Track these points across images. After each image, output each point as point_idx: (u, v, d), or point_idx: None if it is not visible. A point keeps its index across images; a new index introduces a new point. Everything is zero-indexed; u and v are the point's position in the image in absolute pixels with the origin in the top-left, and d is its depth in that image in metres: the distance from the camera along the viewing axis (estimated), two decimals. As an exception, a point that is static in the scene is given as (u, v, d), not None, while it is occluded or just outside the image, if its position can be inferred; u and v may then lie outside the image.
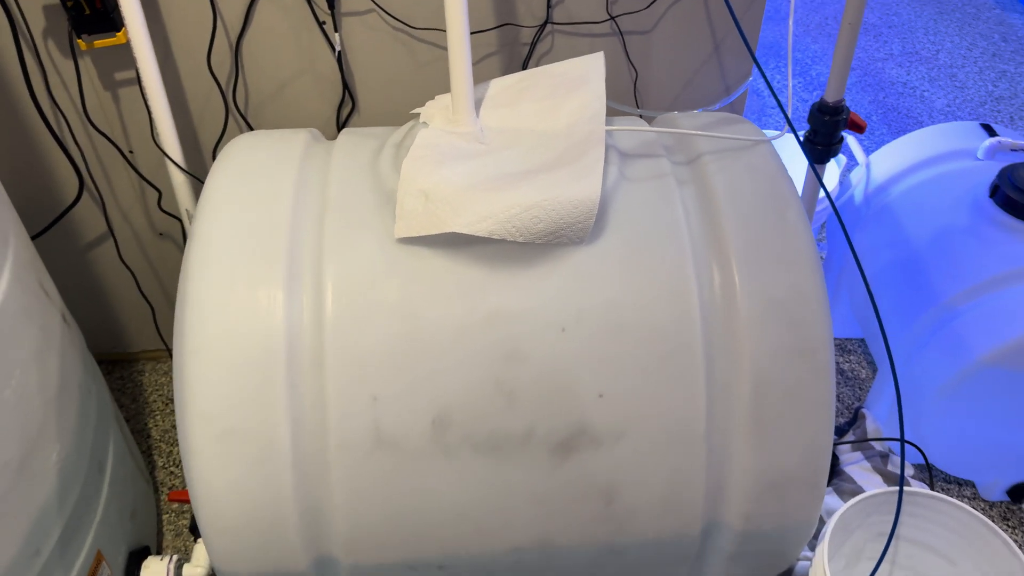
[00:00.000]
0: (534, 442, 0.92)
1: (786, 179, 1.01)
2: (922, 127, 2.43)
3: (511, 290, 0.92)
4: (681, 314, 0.92)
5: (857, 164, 1.70)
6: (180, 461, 1.54)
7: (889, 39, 2.79)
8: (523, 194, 0.92)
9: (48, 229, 1.39)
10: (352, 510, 0.93)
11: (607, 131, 1.03)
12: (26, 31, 1.20)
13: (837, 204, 1.66)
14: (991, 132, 1.56)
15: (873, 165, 1.63)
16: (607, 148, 1.02)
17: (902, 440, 1.04)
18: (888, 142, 1.68)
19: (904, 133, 1.65)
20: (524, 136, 1.03)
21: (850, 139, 1.65)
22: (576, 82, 1.07)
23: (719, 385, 0.93)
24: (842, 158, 1.79)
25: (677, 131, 1.05)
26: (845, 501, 1.21)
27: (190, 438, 0.90)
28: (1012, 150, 1.50)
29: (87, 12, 1.16)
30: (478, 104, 1.07)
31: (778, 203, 0.98)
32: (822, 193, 1.62)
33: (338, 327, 0.90)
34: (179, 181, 1.25)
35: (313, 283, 0.92)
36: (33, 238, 1.29)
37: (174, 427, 1.60)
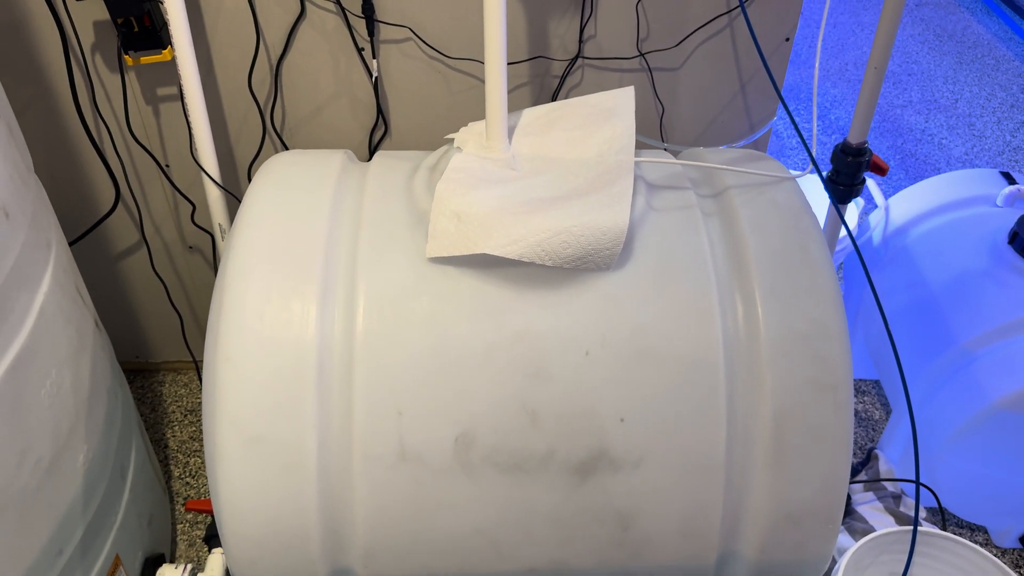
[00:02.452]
0: (555, 463, 0.94)
1: (810, 215, 1.03)
2: (940, 174, 2.46)
3: (538, 312, 0.94)
4: (704, 343, 0.94)
5: (875, 207, 1.72)
6: (196, 472, 1.55)
7: (908, 86, 2.83)
8: (553, 219, 0.94)
9: (83, 237, 1.42)
10: (373, 522, 0.94)
11: (636, 162, 1.05)
12: (76, 45, 1.24)
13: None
14: (1010, 180, 1.58)
15: (892, 208, 1.65)
16: (635, 179, 1.05)
17: (916, 481, 1.05)
18: (905, 188, 1.70)
19: (922, 179, 1.67)
20: (555, 164, 1.06)
21: (870, 182, 1.67)
22: (607, 114, 1.10)
23: (740, 415, 0.95)
24: (860, 200, 1.81)
25: (705, 165, 1.07)
26: (857, 540, 1.21)
27: (218, 443, 0.92)
28: (1031, 198, 1.52)
29: (136, 29, 1.21)
30: (510, 132, 1.10)
31: (802, 238, 1.00)
32: (840, 233, 1.64)
33: (368, 341, 0.92)
34: (214, 196, 1.29)
35: (345, 297, 0.94)
36: (69, 244, 1.32)
37: (191, 438, 1.62)
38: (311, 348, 0.92)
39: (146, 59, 1.23)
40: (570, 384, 0.93)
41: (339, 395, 0.92)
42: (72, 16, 1.22)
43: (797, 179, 1.11)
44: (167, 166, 1.40)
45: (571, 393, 0.93)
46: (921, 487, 1.42)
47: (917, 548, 1.15)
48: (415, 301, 0.94)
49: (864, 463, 1.54)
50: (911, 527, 1.15)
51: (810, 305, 0.96)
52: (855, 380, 1.75)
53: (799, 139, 1.08)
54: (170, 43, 1.18)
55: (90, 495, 1.07)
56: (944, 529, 1.45)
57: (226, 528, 0.94)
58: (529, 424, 0.93)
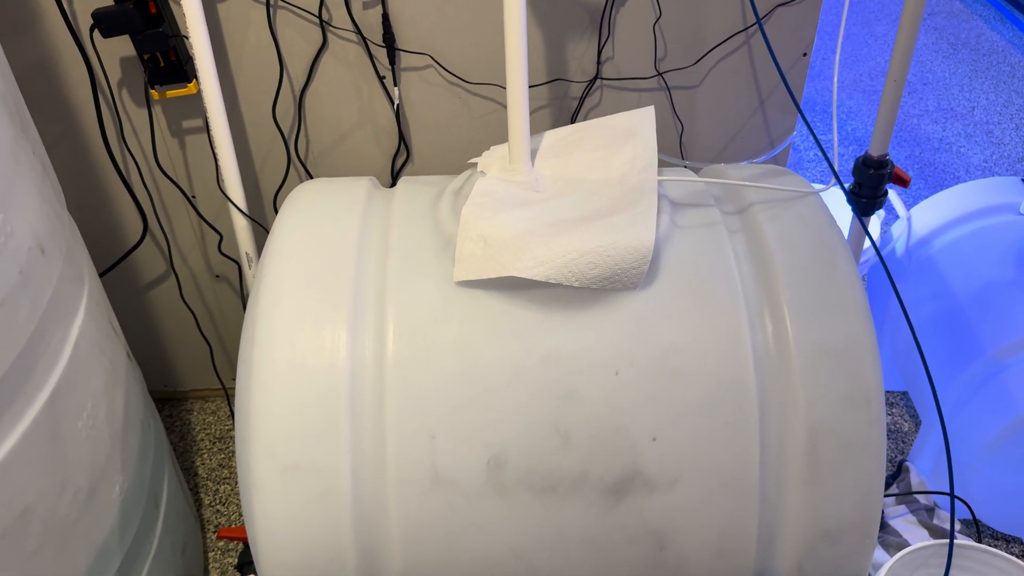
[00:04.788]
0: (588, 484, 0.94)
1: (835, 229, 1.03)
2: (959, 182, 2.45)
3: (566, 333, 0.95)
4: (734, 360, 0.94)
5: (897, 218, 1.72)
6: (226, 499, 1.56)
7: (924, 95, 2.82)
8: (579, 240, 0.95)
9: (112, 268, 1.44)
10: (409, 547, 0.94)
11: (659, 181, 1.06)
12: (104, 81, 1.27)
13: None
14: (1033, 188, 1.58)
15: (914, 219, 1.65)
16: (659, 197, 1.05)
17: (951, 494, 1.04)
18: (926, 197, 1.69)
19: (942, 188, 1.67)
20: (578, 185, 1.07)
21: (891, 193, 1.67)
22: (628, 134, 1.10)
23: (773, 432, 0.94)
24: (881, 212, 1.81)
25: (728, 182, 1.08)
26: (891, 555, 1.20)
27: (253, 471, 0.92)
28: (1055, 205, 1.51)
29: (162, 64, 1.23)
30: (533, 154, 1.11)
31: (829, 252, 1.00)
32: (864, 245, 1.63)
33: (398, 366, 0.93)
34: (241, 226, 1.30)
35: (375, 323, 0.95)
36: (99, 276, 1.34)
37: (221, 466, 1.63)
38: (343, 375, 0.92)
39: (172, 93, 1.26)
40: (601, 404, 0.93)
41: (372, 421, 0.92)
42: (100, 53, 1.24)
43: (821, 193, 1.11)
44: (193, 197, 1.42)
45: (602, 413, 0.93)
46: (955, 499, 1.40)
47: (954, 561, 1.13)
48: (444, 325, 0.95)
49: (895, 476, 1.53)
50: (947, 540, 1.14)
51: (840, 320, 0.95)
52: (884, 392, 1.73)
53: (819, 152, 1.08)
54: (195, 76, 1.20)
55: (126, 525, 1.08)
56: (979, 541, 1.44)
57: (263, 556, 0.95)
58: (561, 445, 0.93)
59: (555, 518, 0.94)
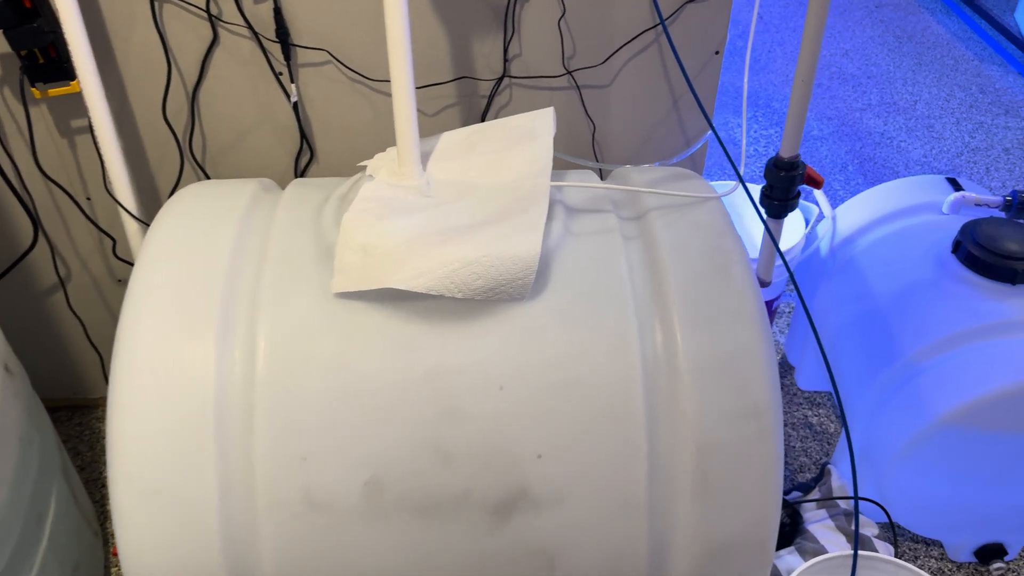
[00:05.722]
0: (472, 504, 0.90)
1: (732, 236, 1.00)
2: (899, 177, 2.44)
3: (450, 347, 0.91)
4: (622, 373, 0.91)
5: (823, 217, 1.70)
6: (133, 512, 1.50)
7: (868, 89, 2.81)
8: (463, 250, 0.90)
9: (3, 275, 1.38)
10: (282, 573, 0.90)
11: (554, 186, 1.02)
12: (-19, 79, 1.20)
13: (804, 256, 1.66)
14: (957, 186, 1.56)
15: (839, 217, 1.63)
16: (554, 203, 1.01)
17: (855, 497, 1.02)
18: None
19: (880, 183, 1.65)
20: (471, 189, 1.02)
21: (818, 193, 1.65)
22: (525, 136, 1.06)
23: (662, 447, 0.91)
24: (814, 209, 1.79)
25: (622, 187, 1.04)
26: (807, 560, 1.18)
27: (115, 497, 0.87)
28: (976, 205, 1.50)
29: (41, 61, 1.17)
30: (427, 157, 1.06)
31: (724, 260, 0.97)
32: (787, 245, 1.61)
33: (269, 384, 0.88)
34: (132, 230, 1.24)
35: (246, 338, 0.90)
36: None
37: (130, 476, 1.57)
38: (208, 393, 0.87)
39: (54, 91, 1.19)
40: (484, 421, 0.90)
41: (239, 442, 0.88)
42: (-25, 49, 1.18)
43: (749, 193, 1.08)
44: (88, 199, 1.36)
45: (486, 431, 0.90)
46: (872, 503, 1.39)
47: (861, 573, 1.12)
48: (320, 340, 0.90)
49: (818, 479, 1.51)
50: (859, 550, 1.12)
51: (731, 330, 0.92)
52: (810, 392, 1.72)
53: (742, 149, 1.06)
54: (77, 74, 1.14)
55: (-3, 549, 1.03)
56: (897, 545, 1.42)
57: (129, 584, 0.90)
58: (442, 465, 0.89)
59: (437, 540, 0.91)
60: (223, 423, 0.87)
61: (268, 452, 0.87)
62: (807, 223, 1.70)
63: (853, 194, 2.28)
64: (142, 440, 0.87)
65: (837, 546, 1.36)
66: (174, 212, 1.02)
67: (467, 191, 1.02)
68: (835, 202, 2.12)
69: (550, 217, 0.99)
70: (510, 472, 0.90)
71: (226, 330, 0.90)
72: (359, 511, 0.89)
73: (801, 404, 1.70)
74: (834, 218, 1.63)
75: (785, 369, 1.78)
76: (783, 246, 1.61)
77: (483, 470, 0.90)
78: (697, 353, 0.91)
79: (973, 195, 1.50)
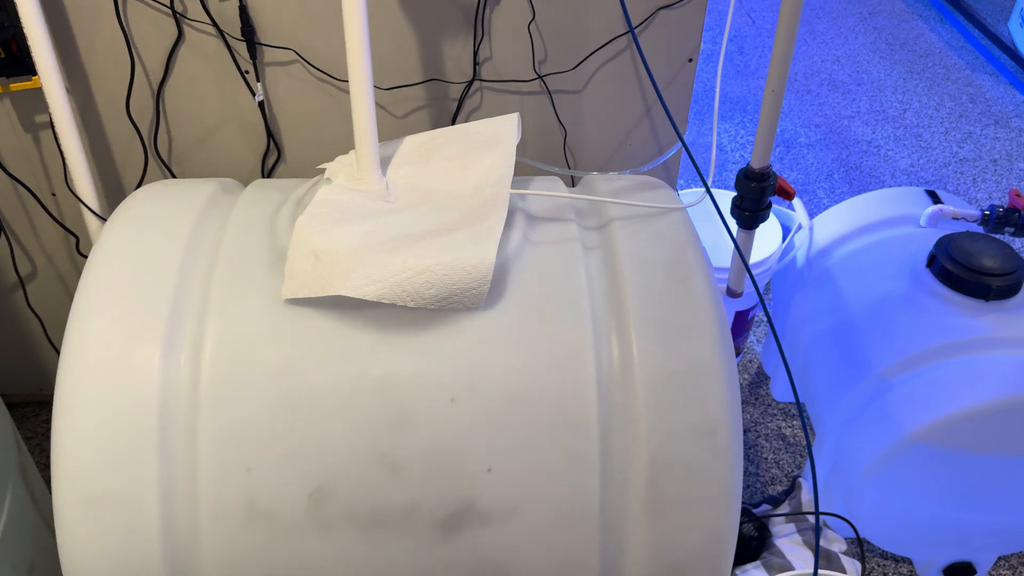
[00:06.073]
0: (419, 518, 0.88)
1: (695, 248, 0.98)
2: (884, 187, 2.42)
3: (401, 356, 0.89)
4: (576, 386, 0.89)
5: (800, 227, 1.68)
6: (95, 512, 1.49)
7: (857, 96, 2.80)
8: (416, 258, 0.89)
9: (-36, 270, 1.36)
10: (225, 584, 0.88)
11: (515, 194, 1.00)
12: (-58, 72, 1.18)
13: (780, 266, 1.64)
14: (935, 199, 1.55)
15: (817, 228, 1.61)
16: (514, 211, 0.99)
17: (817, 512, 1.01)
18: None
19: (866, 192, 1.63)
20: (431, 195, 1.01)
21: (796, 202, 1.63)
22: (488, 142, 1.05)
23: (615, 462, 0.90)
24: (796, 217, 1.77)
25: (583, 196, 1.02)
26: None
27: (57, 502, 0.86)
28: (954, 218, 1.48)
29: (3, 56, 1.15)
30: (387, 161, 1.05)
31: (684, 272, 0.95)
32: (764, 255, 1.60)
33: (214, 390, 0.87)
34: (95, 227, 1.23)
35: (192, 343, 0.88)
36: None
37: (94, 475, 1.55)
38: (152, 398, 0.86)
39: (16, 86, 1.18)
40: (434, 433, 0.88)
41: (183, 449, 0.86)
42: (-64, 41, 1.16)
43: (719, 203, 1.06)
44: (53, 195, 1.34)
45: (435, 442, 0.88)
46: (840, 519, 1.37)
47: (823, 590, 1.10)
48: (268, 347, 0.89)
49: (788, 492, 1.50)
50: (825, 569, 1.10)
51: (688, 344, 0.91)
52: (785, 404, 1.70)
53: (717, 155, 1.04)
54: (38, 69, 1.12)
55: (-60, 552, 1.01)
56: (865, 561, 1.41)
57: (69, 590, 0.88)
58: (390, 477, 0.87)
59: (383, 554, 0.89)
60: (166, 429, 0.86)
61: (211, 460, 0.86)
62: (786, 232, 1.68)
63: (838, 203, 2.27)
64: (84, 444, 0.85)
65: (804, 562, 1.35)
66: (128, 212, 1.00)
67: (426, 197, 1.01)
68: (820, 210, 2.11)
69: (510, 225, 0.97)
70: (459, 485, 0.88)
71: (173, 334, 0.88)
72: (303, 523, 0.87)
73: (775, 415, 1.68)
74: (811, 228, 1.62)
75: (761, 379, 1.76)
76: (760, 255, 1.60)
77: (431, 483, 0.88)
78: (653, 366, 0.89)
79: (951, 208, 1.49)
